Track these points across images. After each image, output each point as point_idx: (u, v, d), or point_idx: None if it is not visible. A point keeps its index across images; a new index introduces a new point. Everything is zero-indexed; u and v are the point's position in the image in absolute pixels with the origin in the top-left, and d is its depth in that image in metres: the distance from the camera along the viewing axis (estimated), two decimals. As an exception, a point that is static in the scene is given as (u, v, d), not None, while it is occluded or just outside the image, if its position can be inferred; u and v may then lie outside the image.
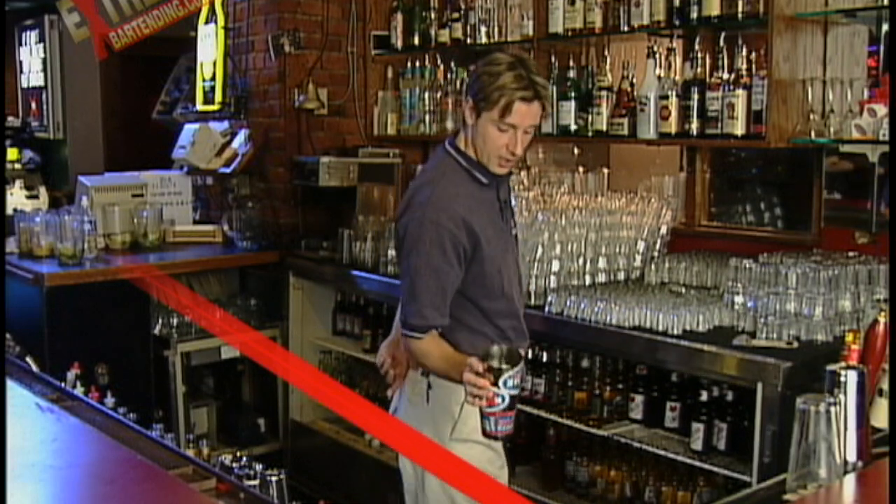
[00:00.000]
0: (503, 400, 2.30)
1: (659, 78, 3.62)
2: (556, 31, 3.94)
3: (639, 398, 3.37)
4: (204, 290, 5.00)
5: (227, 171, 5.14)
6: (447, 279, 2.55)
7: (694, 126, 3.49)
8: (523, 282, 2.90)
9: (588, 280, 3.72)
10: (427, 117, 4.69)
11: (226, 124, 5.31)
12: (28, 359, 2.87)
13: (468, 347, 2.58)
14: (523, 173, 4.35)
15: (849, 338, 2.08)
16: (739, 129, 3.33)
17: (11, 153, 6.33)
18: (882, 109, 2.98)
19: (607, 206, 3.79)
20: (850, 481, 1.76)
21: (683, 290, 3.47)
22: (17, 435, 1.66)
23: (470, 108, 2.57)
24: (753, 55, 3.34)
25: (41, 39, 7.35)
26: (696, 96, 3.47)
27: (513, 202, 2.91)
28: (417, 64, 4.77)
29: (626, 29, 3.70)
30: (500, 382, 2.29)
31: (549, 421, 3.66)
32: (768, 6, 3.21)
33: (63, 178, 7.01)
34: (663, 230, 3.93)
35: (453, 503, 2.67)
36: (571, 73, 3.94)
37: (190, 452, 2.28)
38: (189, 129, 5.28)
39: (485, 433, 2.39)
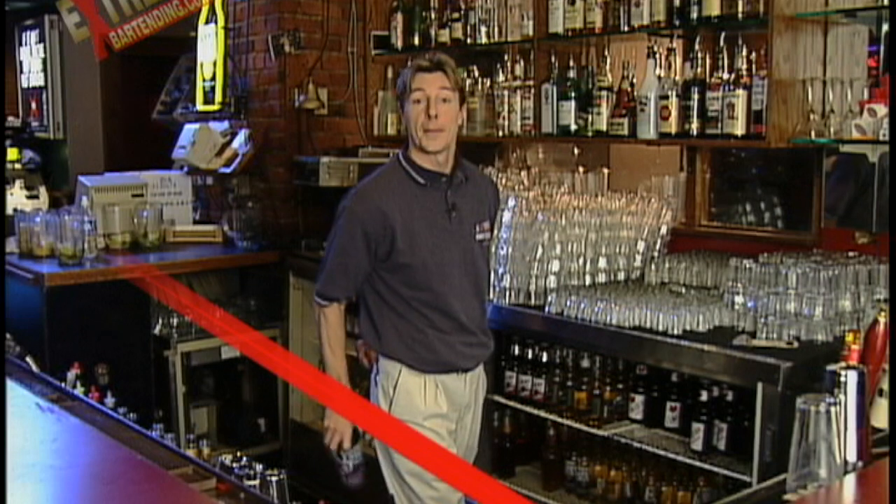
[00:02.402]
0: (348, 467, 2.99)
1: (659, 78, 3.62)
2: (556, 31, 3.94)
3: (639, 398, 3.37)
4: (204, 290, 5.00)
5: (228, 171, 5.14)
6: (352, 261, 2.84)
7: (694, 126, 3.49)
8: (482, 283, 3.05)
9: (588, 280, 3.72)
10: (427, 117, 4.69)
11: (226, 124, 5.31)
12: (28, 359, 2.87)
13: (392, 332, 2.86)
14: (523, 173, 4.35)
15: (849, 338, 2.08)
16: (739, 129, 3.33)
17: (11, 153, 6.32)
18: (882, 109, 2.98)
19: (607, 206, 3.78)
20: (850, 481, 1.76)
21: (683, 290, 3.47)
22: (17, 435, 1.67)
23: (401, 111, 2.92)
24: (753, 55, 3.34)
25: (41, 39, 7.35)
26: (696, 96, 3.47)
27: (490, 212, 3.10)
28: (417, 64, 4.77)
29: (626, 29, 3.70)
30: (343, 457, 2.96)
31: (549, 421, 3.66)
32: (768, 6, 3.21)
33: (63, 178, 7.02)
34: (663, 230, 3.93)
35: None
36: (571, 73, 3.94)
37: (190, 452, 2.28)
38: (189, 129, 5.28)
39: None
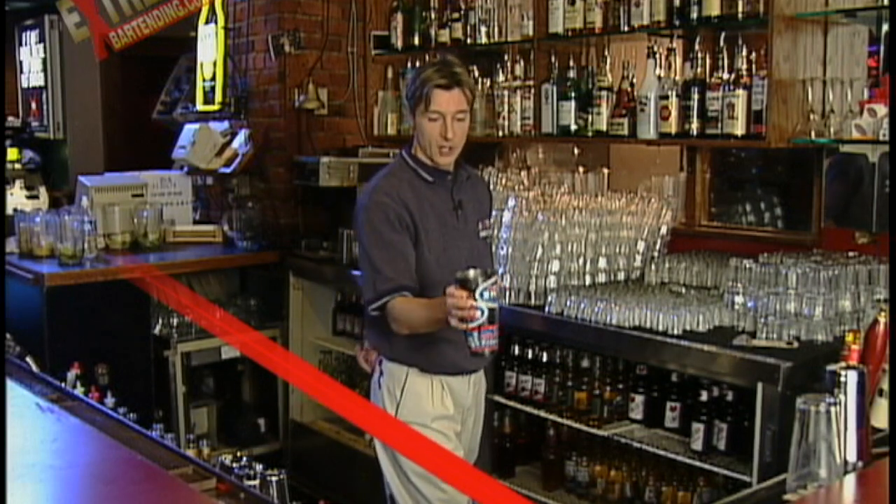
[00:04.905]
0: (483, 313, 2.42)
1: (659, 78, 3.62)
2: (556, 31, 3.94)
3: (639, 398, 3.37)
4: (204, 290, 5.00)
5: (228, 171, 5.14)
6: (403, 248, 2.75)
7: (694, 126, 3.49)
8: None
9: (588, 280, 3.72)
10: (427, 117, 4.69)
11: (226, 124, 5.31)
12: (28, 359, 2.87)
13: (401, 335, 2.77)
14: (523, 173, 4.35)
15: (849, 338, 2.08)
16: (739, 129, 3.33)
17: (11, 153, 6.33)
18: (882, 109, 2.98)
19: (607, 206, 3.78)
20: (850, 481, 1.76)
21: (683, 290, 3.47)
22: (17, 435, 1.66)
23: (409, 112, 2.86)
24: (753, 55, 3.34)
25: (41, 39, 7.35)
26: (696, 96, 3.47)
27: (492, 210, 3.10)
28: (417, 64, 4.76)
29: (626, 29, 3.70)
30: (477, 295, 2.41)
31: (549, 421, 3.66)
32: (768, 6, 3.21)
33: (63, 178, 7.02)
34: (663, 230, 3.93)
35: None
36: (571, 73, 3.94)
37: (190, 452, 2.28)
38: (189, 129, 5.28)
39: (471, 351, 2.50)
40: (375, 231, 2.75)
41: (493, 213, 3.26)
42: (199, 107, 5.32)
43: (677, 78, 3.59)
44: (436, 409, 2.85)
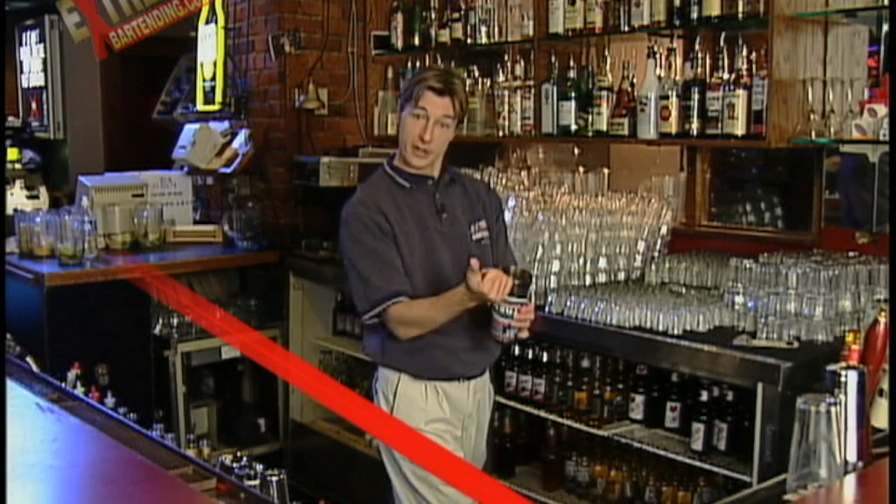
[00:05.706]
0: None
1: (659, 78, 3.62)
2: (557, 31, 3.94)
3: (639, 398, 3.37)
4: (204, 290, 5.00)
5: (228, 171, 5.14)
6: (387, 255, 2.76)
7: (694, 126, 3.49)
8: None
9: (588, 280, 3.72)
10: (427, 117, 4.68)
11: (226, 124, 5.31)
12: (28, 359, 2.87)
13: (393, 341, 2.79)
14: (523, 173, 4.35)
15: (849, 338, 2.08)
16: (739, 129, 3.33)
17: (12, 153, 6.33)
18: (882, 109, 2.98)
19: (607, 206, 3.78)
20: (850, 481, 1.76)
21: (683, 290, 3.47)
22: (17, 435, 1.66)
23: (398, 112, 2.87)
24: (753, 55, 3.34)
25: (41, 39, 7.36)
26: (696, 96, 3.47)
27: (487, 211, 3.03)
28: (418, 64, 4.76)
29: (626, 29, 3.70)
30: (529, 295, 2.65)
31: (550, 421, 3.66)
32: (768, 6, 3.21)
33: (63, 178, 7.02)
34: (663, 230, 3.93)
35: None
36: (571, 73, 3.94)
37: (190, 452, 2.28)
38: (189, 129, 5.28)
39: (504, 341, 2.73)
40: (357, 242, 2.78)
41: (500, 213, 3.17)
42: (200, 107, 5.31)
43: (677, 78, 3.59)
44: (429, 413, 2.83)
